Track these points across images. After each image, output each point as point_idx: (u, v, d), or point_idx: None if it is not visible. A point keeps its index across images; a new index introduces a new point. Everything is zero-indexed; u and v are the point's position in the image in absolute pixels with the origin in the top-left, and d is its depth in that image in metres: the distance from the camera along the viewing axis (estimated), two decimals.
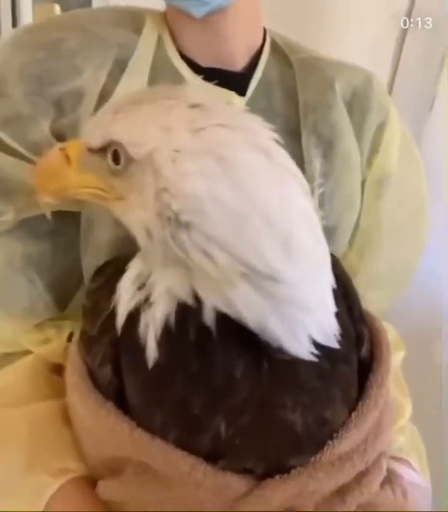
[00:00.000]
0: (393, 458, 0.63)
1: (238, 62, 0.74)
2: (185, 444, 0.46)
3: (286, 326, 0.43)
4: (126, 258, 0.58)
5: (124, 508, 0.50)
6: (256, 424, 0.44)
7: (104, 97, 0.67)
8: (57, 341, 0.67)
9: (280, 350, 0.44)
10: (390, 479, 0.58)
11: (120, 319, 0.50)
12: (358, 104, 0.78)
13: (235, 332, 0.44)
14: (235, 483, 0.46)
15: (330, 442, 0.48)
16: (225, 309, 0.43)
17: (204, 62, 0.72)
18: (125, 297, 0.50)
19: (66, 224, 0.68)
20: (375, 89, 0.80)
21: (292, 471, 0.46)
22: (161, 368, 0.45)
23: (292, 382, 0.45)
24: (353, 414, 0.50)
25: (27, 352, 0.68)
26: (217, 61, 0.73)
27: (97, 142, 0.46)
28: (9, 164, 0.65)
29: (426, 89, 1.39)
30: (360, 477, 0.50)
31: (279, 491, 0.45)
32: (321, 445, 0.48)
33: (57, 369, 0.67)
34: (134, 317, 0.48)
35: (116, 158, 0.45)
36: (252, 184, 0.41)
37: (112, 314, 0.51)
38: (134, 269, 0.51)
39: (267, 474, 0.46)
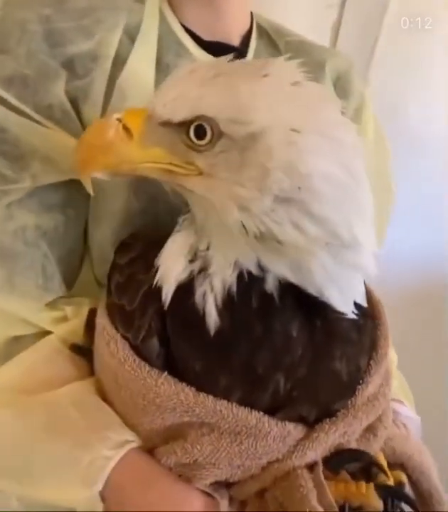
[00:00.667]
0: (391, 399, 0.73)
1: (234, 39, 0.76)
2: (248, 401, 0.50)
3: (341, 289, 0.49)
4: (155, 232, 0.60)
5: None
6: (310, 376, 0.49)
7: (116, 63, 0.65)
8: (77, 319, 0.65)
9: (330, 309, 0.49)
10: (393, 417, 0.68)
11: (169, 290, 0.51)
12: (340, 88, 0.85)
13: (291, 296, 0.48)
14: (294, 430, 0.51)
15: (359, 387, 0.55)
16: (291, 277, 0.47)
17: (205, 36, 0.73)
18: (176, 269, 0.51)
19: (77, 195, 0.65)
20: (354, 75, 0.88)
21: (338, 414, 0.53)
22: (224, 334, 0.48)
23: (339, 336, 0.51)
24: (371, 362, 0.58)
25: (39, 334, 0.65)
26: (217, 35, 0.74)
27: (179, 116, 0.45)
28: (19, 126, 0.60)
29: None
30: (381, 416, 0.59)
31: (331, 432, 0.52)
32: (355, 389, 0.55)
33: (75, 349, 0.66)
34: (184, 288, 0.50)
35: (199, 134, 0.45)
36: (354, 163, 0.46)
37: (154, 287, 0.52)
38: (182, 241, 0.53)
39: (317, 420, 0.53)
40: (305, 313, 0.49)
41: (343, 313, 0.50)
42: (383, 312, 0.64)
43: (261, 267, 0.48)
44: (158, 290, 0.52)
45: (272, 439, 0.50)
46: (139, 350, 0.54)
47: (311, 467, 0.51)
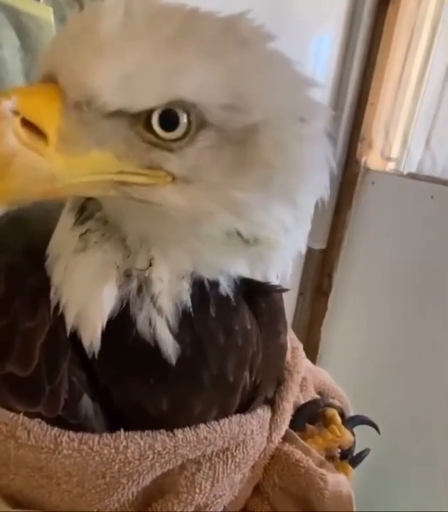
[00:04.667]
0: None
1: None
2: (223, 412, 0.45)
3: (281, 267, 0.48)
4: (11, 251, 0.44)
5: None
6: (265, 358, 0.48)
7: None
8: None
9: (272, 288, 0.48)
10: None
11: (95, 334, 0.40)
12: None
13: (239, 290, 0.44)
14: (265, 413, 0.49)
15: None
16: (246, 273, 0.43)
17: None
18: (99, 300, 0.40)
19: None
20: None
21: (285, 379, 0.54)
22: (188, 356, 0.41)
23: (280, 311, 0.51)
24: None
25: None
26: None
27: (143, 103, 0.30)
28: None
29: None
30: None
31: (290, 398, 0.53)
32: None
33: None
34: (116, 321, 0.40)
35: (167, 124, 0.31)
36: None
37: (56, 333, 0.40)
38: (98, 263, 0.41)
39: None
40: (248, 299, 0.46)
41: (280, 289, 0.50)
42: None
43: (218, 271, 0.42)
44: (62, 334, 0.41)
45: (256, 433, 0.47)
46: (64, 422, 0.41)
47: (284, 438, 0.51)
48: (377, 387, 1.43)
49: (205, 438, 0.43)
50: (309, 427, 0.54)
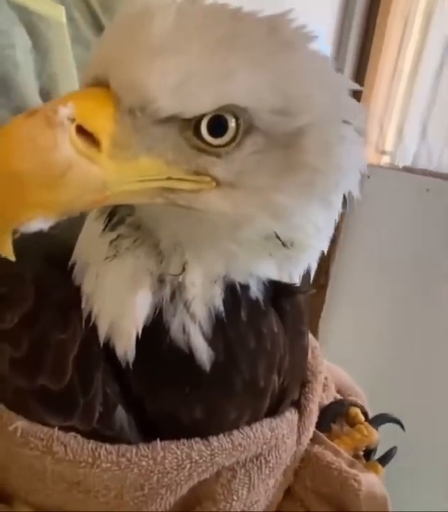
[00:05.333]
0: None
1: None
2: (254, 417, 0.45)
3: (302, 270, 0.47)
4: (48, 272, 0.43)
5: None
6: (291, 361, 0.48)
7: None
8: None
9: (297, 290, 0.47)
10: None
11: (129, 343, 0.39)
12: None
13: (267, 293, 0.44)
14: (293, 415, 0.49)
15: None
16: (275, 275, 0.42)
17: None
18: (133, 309, 0.39)
19: None
20: None
21: (309, 380, 0.54)
22: (222, 362, 0.40)
23: (303, 313, 0.51)
24: None
25: None
26: None
27: (196, 108, 0.30)
28: None
29: None
30: None
31: (316, 399, 0.52)
32: None
33: None
34: (150, 329, 0.40)
35: (215, 130, 0.31)
36: None
37: (89, 345, 0.40)
38: (131, 271, 0.40)
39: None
40: (273, 301, 0.46)
41: (305, 290, 0.49)
42: None
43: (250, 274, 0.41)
44: (94, 345, 0.40)
45: (287, 437, 0.47)
46: (99, 434, 0.40)
47: (312, 440, 0.51)
48: (376, 379, 1.45)
49: (240, 445, 0.43)
50: (335, 427, 0.54)
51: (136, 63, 0.29)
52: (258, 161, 0.33)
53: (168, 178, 0.32)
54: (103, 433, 0.40)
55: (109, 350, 0.41)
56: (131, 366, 0.40)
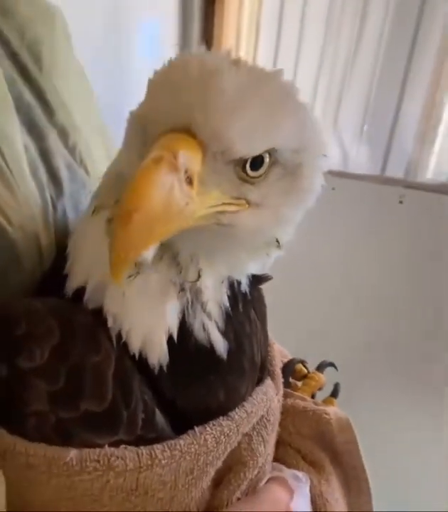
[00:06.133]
0: None
1: None
2: (251, 390, 0.54)
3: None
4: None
5: None
6: (262, 335, 0.57)
7: None
8: None
9: (262, 279, 0.57)
10: None
11: (162, 351, 0.44)
12: None
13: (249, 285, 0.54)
14: (270, 380, 0.59)
15: None
16: (257, 270, 0.52)
17: None
18: (163, 320, 0.44)
19: None
20: None
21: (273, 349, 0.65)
22: (233, 349, 0.48)
23: (263, 296, 0.61)
24: None
25: None
26: None
27: (256, 150, 0.38)
28: None
29: None
30: None
31: (279, 362, 0.64)
32: None
33: None
34: (178, 334, 0.45)
35: (255, 165, 0.39)
36: None
37: (123, 360, 0.43)
38: (155, 284, 0.45)
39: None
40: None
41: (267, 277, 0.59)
42: None
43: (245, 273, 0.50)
44: (127, 359, 0.44)
45: (273, 398, 0.57)
46: (143, 439, 0.44)
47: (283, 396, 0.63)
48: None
49: (252, 412, 0.51)
50: (293, 381, 0.67)
51: (220, 118, 0.37)
52: (277, 185, 0.43)
53: (223, 204, 0.40)
54: (147, 437, 0.44)
55: (140, 360, 0.44)
56: (165, 371, 0.44)
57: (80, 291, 0.45)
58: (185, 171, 0.34)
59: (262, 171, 0.41)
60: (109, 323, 0.43)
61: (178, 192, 0.33)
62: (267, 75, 0.42)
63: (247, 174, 0.40)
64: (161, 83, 0.40)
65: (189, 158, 0.34)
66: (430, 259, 1.50)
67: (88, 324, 0.43)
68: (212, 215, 0.39)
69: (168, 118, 0.36)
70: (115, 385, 0.42)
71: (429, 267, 1.50)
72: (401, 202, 1.54)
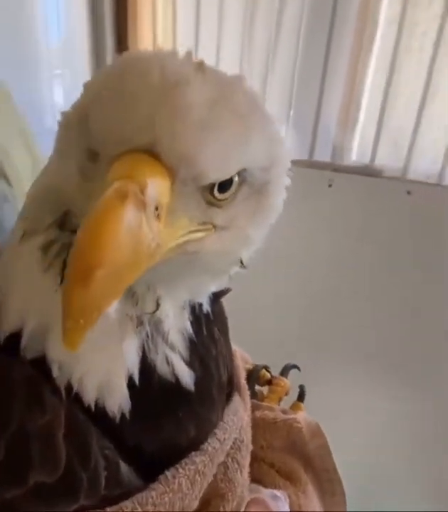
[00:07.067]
0: None
1: None
2: (222, 411, 0.51)
3: None
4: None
5: None
6: (228, 351, 0.55)
7: None
8: None
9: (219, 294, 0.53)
10: None
11: (122, 397, 0.40)
12: None
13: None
14: (237, 396, 0.57)
15: None
16: (215, 289, 0.48)
17: None
18: (121, 361, 0.40)
19: None
20: None
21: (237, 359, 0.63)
22: (200, 377, 0.45)
23: (223, 310, 0.57)
24: None
25: None
26: None
27: (228, 174, 0.35)
28: None
29: None
30: None
31: (244, 375, 0.62)
32: None
33: None
34: (139, 374, 0.41)
35: (224, 187, 0.36)
36: None
37: (74, 415, 0.38)
38: (109, 324, 0.39)
39: None
40: None
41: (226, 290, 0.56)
42: None
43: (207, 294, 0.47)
44: (79, 413, 0.39)
45: (243, 414, 0.55)
46: (108, 499, 0.39)
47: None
48: None
49: (225, 439, 0.49)
50: (259, 389, 0.65)
51: (190, 140, 0.32)
52: (244, 206, 0.39)
53: (189, 232, 0.35)
54: (112, 495, 0.39)
55: (97, 409, 0.39)
56: (127, 417, 0.40)
57: (15, 338, 0.38)
58: (146, 202, 0.29)
59: (230, 192, 0.37)
60: (54, 374, 0.37)
61: (147, 230, 0.28)
62: (233, 83, 0.37)
63: (214, 197, 0.36)
64: (112, 91, 0.34)
65: (157, 189, 0.29)
66: (361, 239, 1.54)
67: (27, 379, 0.37)
68: (179, 245, 0.35)
69: (125, 136, 0.31)
70: (68, 447, 0.36)
71: (360, 248, 1.54)
72: (330, 185, 1.57)
